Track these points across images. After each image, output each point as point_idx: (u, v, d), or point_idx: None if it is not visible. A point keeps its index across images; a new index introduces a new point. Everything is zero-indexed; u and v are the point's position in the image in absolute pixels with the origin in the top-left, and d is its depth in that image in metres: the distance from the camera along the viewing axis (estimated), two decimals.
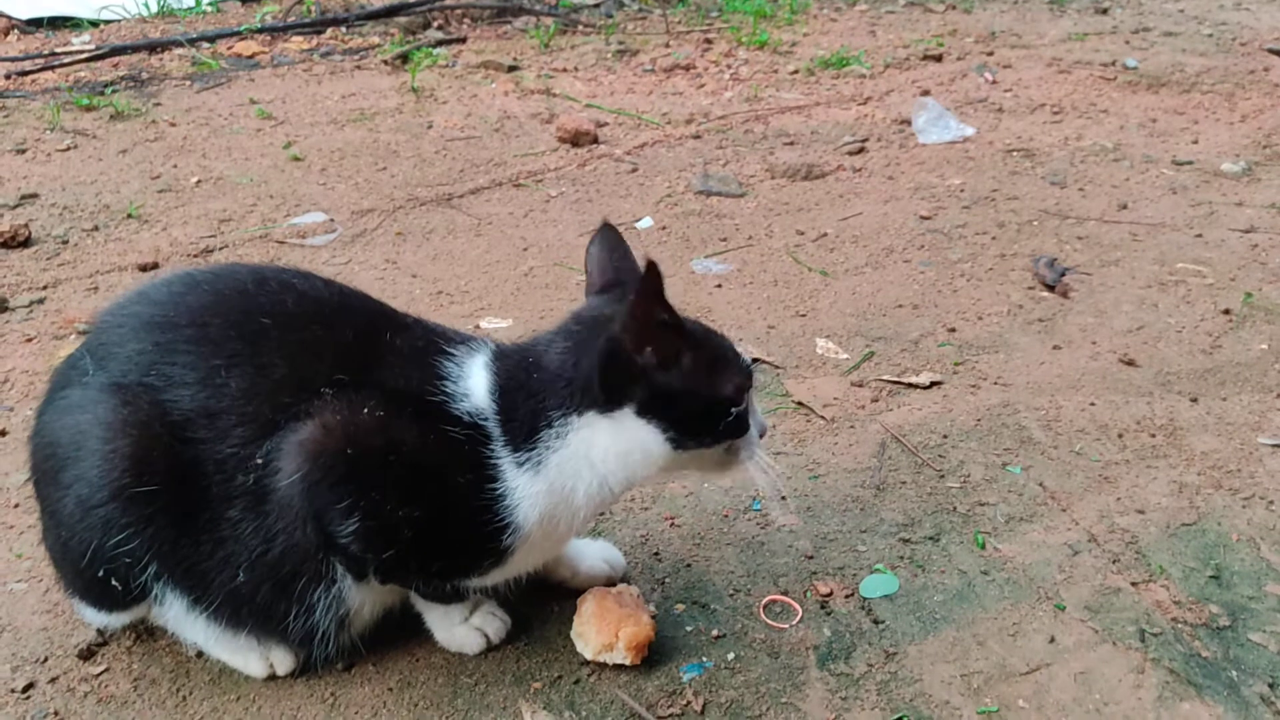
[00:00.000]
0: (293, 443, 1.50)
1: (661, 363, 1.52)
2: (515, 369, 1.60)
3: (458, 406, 1.56)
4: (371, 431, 1.51)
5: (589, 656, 1.73)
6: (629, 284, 1.62)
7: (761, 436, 1.68)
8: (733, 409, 1.58)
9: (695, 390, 1.56)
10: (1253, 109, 4.75)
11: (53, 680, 1.72)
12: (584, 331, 1.60)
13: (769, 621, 1.85)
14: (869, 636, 1.83)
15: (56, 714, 1.65)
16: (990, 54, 5.67)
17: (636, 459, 1.58)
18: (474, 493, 1.55)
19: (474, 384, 1.59)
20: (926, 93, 4.99)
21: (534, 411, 1.56)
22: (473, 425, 1.55)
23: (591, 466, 1.58)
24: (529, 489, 1.57)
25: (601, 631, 1.72)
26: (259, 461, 1.51)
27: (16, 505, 2.13)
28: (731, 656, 1.77)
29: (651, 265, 1.44)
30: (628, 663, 1.72)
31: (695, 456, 1.60)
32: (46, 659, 1.76)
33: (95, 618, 1.72)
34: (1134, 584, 1.95)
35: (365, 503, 1.50)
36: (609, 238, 1.73)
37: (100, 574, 1.55)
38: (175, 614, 1.64)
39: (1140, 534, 2.08)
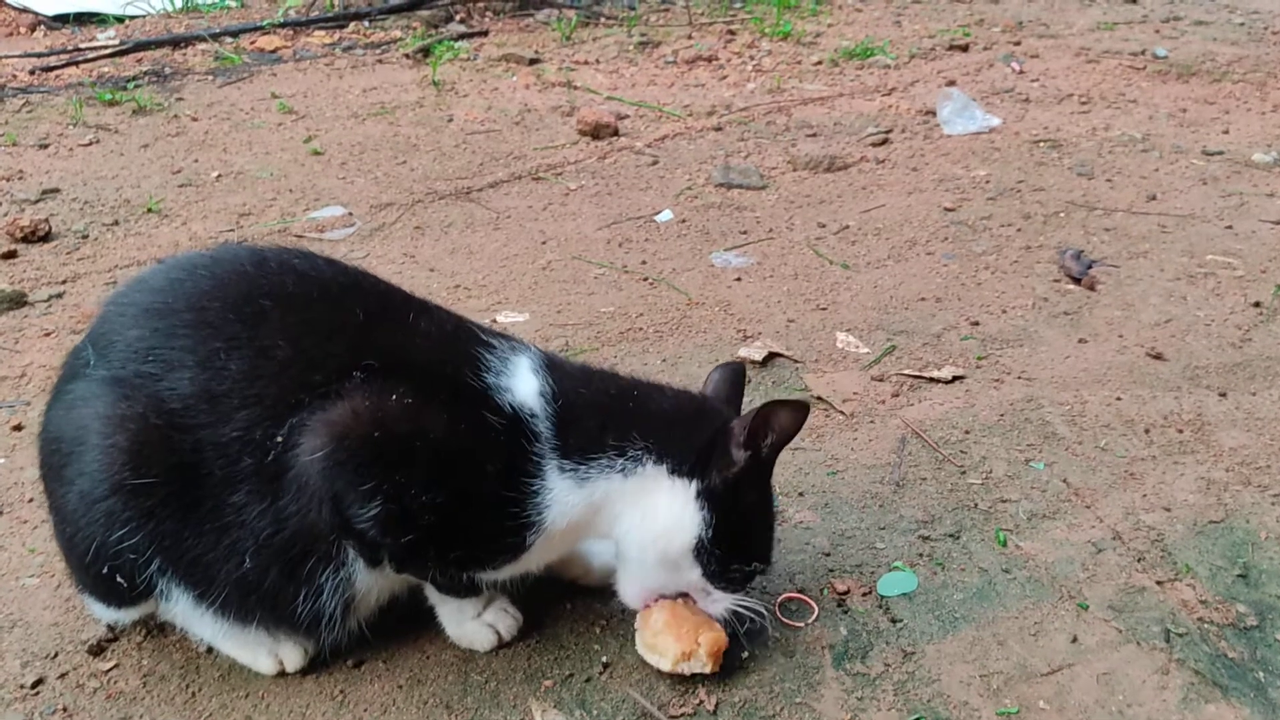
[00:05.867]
0: (319, 421, 1.48)
1: (743, 474, 1.62)
2: (587, 387, 1.66)
3: (500, 398, 1.56)
4: (401, 415, 1.49)
5: (666, 669, 1.67)
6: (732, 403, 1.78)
7: (741, 588, 1.72)
8: (754, 561, 1.69)
9: (747, 519, 1.65)
10: None
11: (62, 676, 1.71)
12: (709, 404, 1.73)
13: (785, 619, 1.82)
14: (886, 635, 1.79)
15: (65, 710, 1.64)
16: (1017, 44, 5.60)
17: (656, 528, 1.63)
18: (505, 484, 1.55)
19: (518, 381, 1.60)
20: (952, 83, 4.93)
21: (603, 432, 1.61)
22: (515, 419, 1.56)
23: (623, 507, 1.63)
24: (565, 496, 1.59)
25: (681, 639, 1.66)
26: (279, 440, 1.49)
27: (30, 500, 2.13)
28: (745, 655, 1.74)
29: (805, 406, 1.61)
30: (708, 671, 1.67)
31: (687, 571, 1.66)
32: (57, 654, 1.75)
33: (104, 613, 1.71)
34: (1159, 583, 1.90)
35: (389, 486, 1.48)
36: (735, 375, 1.83)
37: (105, 570, 1.54)
38: (182, 609, 1.62)
39: (1166, 531, 2.03)
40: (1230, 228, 3.40)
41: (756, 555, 1.69)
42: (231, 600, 1.58)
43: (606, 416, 1.62)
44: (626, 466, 1.61)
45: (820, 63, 5.34)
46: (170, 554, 1.53)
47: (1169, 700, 1.66)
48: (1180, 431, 2.35)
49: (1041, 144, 4.20)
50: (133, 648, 1.77)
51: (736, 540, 1.64)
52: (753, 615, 1.71)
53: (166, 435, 1.49)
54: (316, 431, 1.47)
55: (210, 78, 5.06)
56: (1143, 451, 2.28)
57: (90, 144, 4.16)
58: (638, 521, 1.63)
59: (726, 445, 1.61)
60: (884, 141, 4.25)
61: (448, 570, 1.65)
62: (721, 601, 1.70)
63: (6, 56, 5.23)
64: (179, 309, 1.54)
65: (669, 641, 1.67)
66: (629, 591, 1.73)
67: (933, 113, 4.52)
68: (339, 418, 1.47)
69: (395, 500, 1.48)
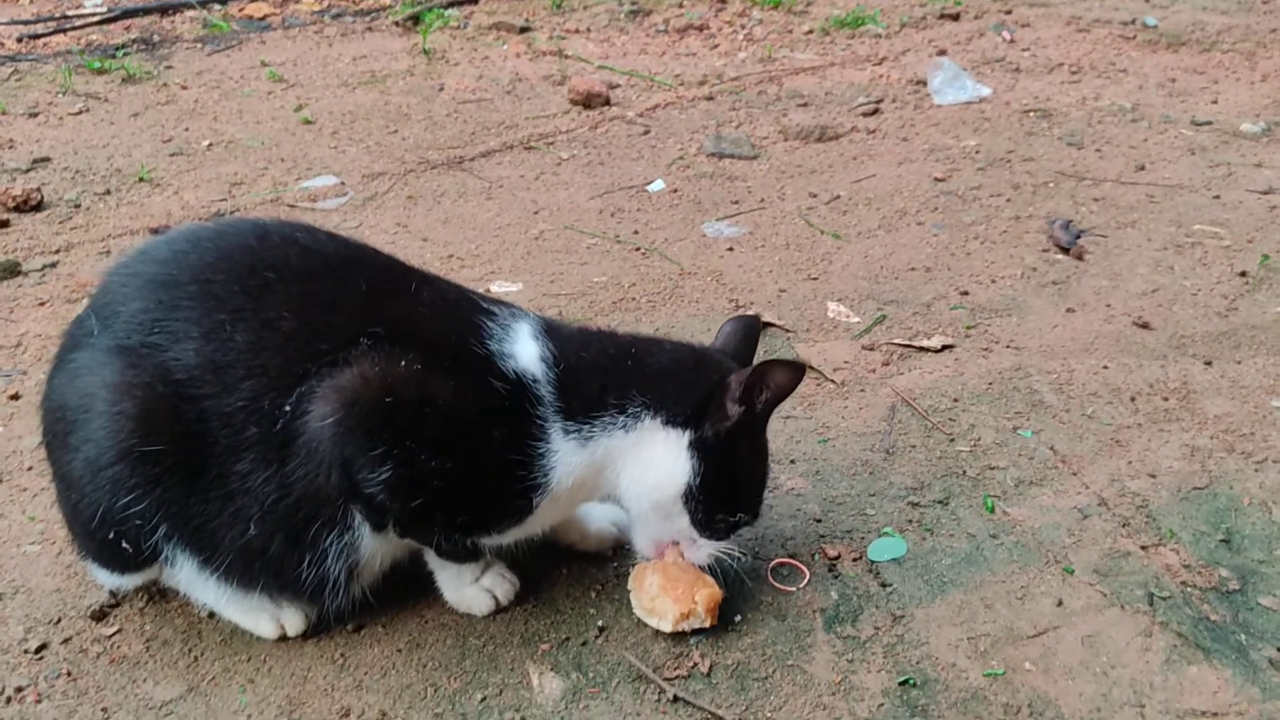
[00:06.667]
0: (329, 387, 1.50)
1: (736, 428, 1.65)
2: (587, 349, 1.69)
3: (503, 364, 1.59)
4: (410, 381, 1.52)
5: (668, 629, 1.71)
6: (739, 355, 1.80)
7: (725, 537, 1.75)
8: (740, 513, 1.72)
9: (735, 470, 1.68)
10: (1274, 68, 4.67)
11: (65, 641, 1.74)
12: (709, 357, 1.75)
13: (776, 584, 1.86)
14: (876, 599, 1.83)
15: (69, 674, 1.67)
16: (1008, 12, 5.59)
17: (650, 478, 1.67)
18: (512, 449, 1.59)
19: (520, 348, 1.63)
20: (943, 52, 4.93)
21: (604, 392, 1.64)
22: (519, 384, 1.59)
23: (624, 462, 1.66)
24: (570, 457, 1.63)
25: (679, 600, 1.71)
26: (287, 409, 1.51)
27: (30, 468, 2.14)
28: (738, 619, 1.78)
29: (801, 366, 1.63)
30: (707, 625, 1.72)
31: (676, 519, 1.70)
32: (59, 620, 1.78)
33: (108, 579, 1.74)
34: (1143, 548, 1.94)
35: (399, 452, 1.51)
36: (748, 328, 1.85)
37: (110, 536, 1.56)
38: (186, 575, 1.65)
39: (1151, 498, 2.07)
40: (1218, 198, 3.43)
41: (743, 507, 1.72)
42: (236, 566, 1.60)
43: (606, 377, 1.65)
44: (627, 423, 1.64)
45: (811, 31, 5.33)
46: (176, 520, 1.56)
47: (1152, 662, 1.70)
48: (1166, 399, 2.39)
49: (1032, 114, 4.21)
50: (135, 613, 1.79)
51: (724, 491, 1.68)
52: (731, 559, 1.75)
53: (173, 404, 1.51)
54: (326, 398, 1.50)
55: (199, 45, 5.03)
56: (1129, 419, 2.32)
57: (80, 113, 4.14)
58: (637, 474, 1.67)
59: (722, 399, 1.64)
60: (875, 111, 4.25)
61: (453, 535, 1.68)
62: (705, 548, 1.73)
63: None
64: (183, 281, 1.56)
65: (667, 604, 1.71)
66: (640, 542, 1.78)
67: (923, 82, 4.52)
68: (349, 384, 1.50)
69: (405, 465, 1.51)
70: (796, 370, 1.64)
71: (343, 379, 1.50)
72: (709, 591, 1.71)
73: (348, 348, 1.53)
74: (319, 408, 1.50)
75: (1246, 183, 3.53)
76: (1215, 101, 4.31)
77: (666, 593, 1.72)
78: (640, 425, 1.65)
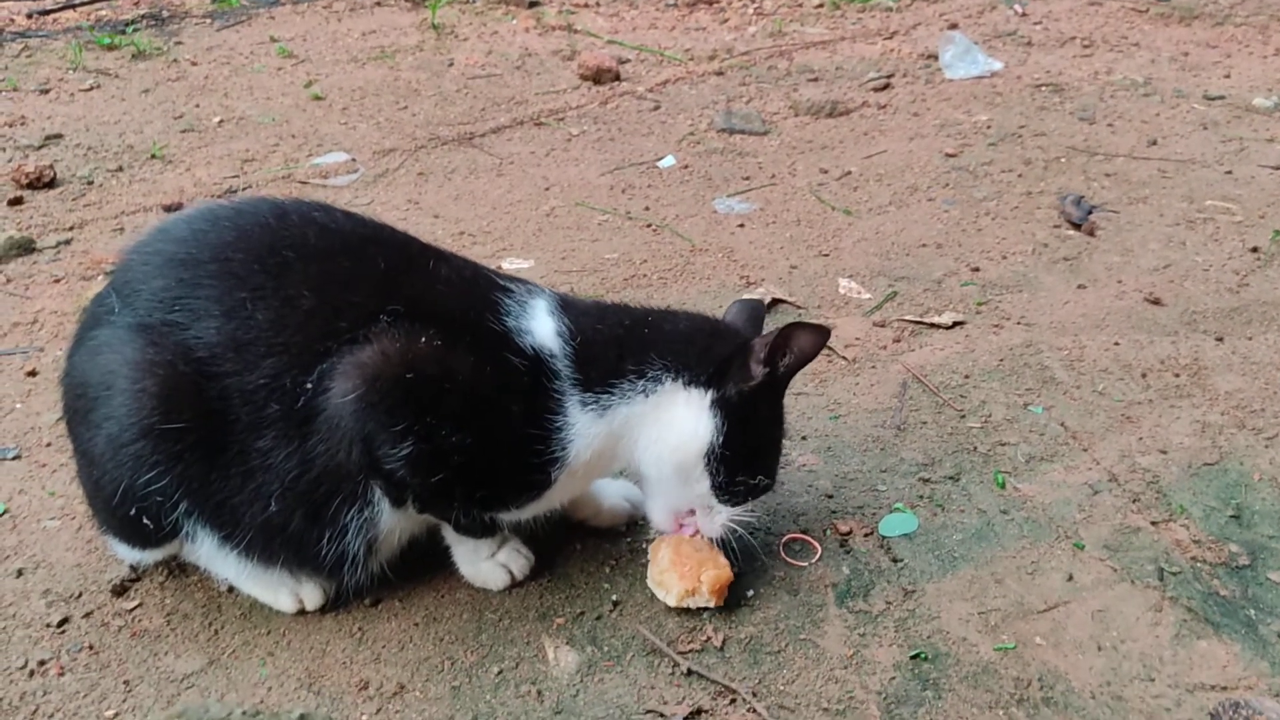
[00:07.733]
0: (350, 363, 1.52)
1: (758, 389, 1.67)
2: (603, 321, 1.71)
3: (521, 340, 1.61)
4: (430, 357, 1.54)
5: (672, 604, 1.74)
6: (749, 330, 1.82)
7: (742, 502, 1.75)
8: (760, 475, 1.73)
9: (756, 432, 1.70)
10: None
11: (87, 615, 1.76)
12: (725, 325, 1.80)
13: (789, 559, 1.87)
14: (888, 575, 1.84)
15: (91, 648, 1.69)
16: None
17: (671, 439, 1.68)
18: (530, 424, 1.60)
19: (537, 323, 1.64)
20: (954, 26, 4.91)
21: (621, 360, 1.66)
22: (536, 360, 1.61)
23: (643, 427, 1.68)
24: (588, 429, 1.64)
25: (684, 577, 1.73)
26: (308, 386, 1.53)
27: (49, 444, 2.16)
28: (751, 594, 1.79)
29: (826, 330, 1.66)
30: (711, 605, 1.73)
31: (695, 481, 1.70)
32: (80, 594, 1.80)
33: (128, 554, 1.76)
34: (1154, 523, 1.95)
35: (420, 427, 1.53)
36: (753, 311, 1.88)
37: (132, 512, 1.58)
38: (207, 551, 1.67)
39: (1161, 473, 2.08)
40: (1230, 173, 3.42)
41: (762, 469, 1.73)
42: (256, 542, 1.62)
43: (623, 346, 1.67)
44: (647, 387, 1.66)
45: (821, 5, 5.31)
46: (197, 497, 1.57)
47: (1161, 636, 1.71)
48: (1177, 376, 2.39)
49: (1043, 88, 4.19)
50: (155, 587, 1.81)
51: (745, 452, 1.69)
52: (744, 533, 1.76)
53: (194, 382, 1.52)
54: (348, 374, 1.51)
55: (208, 21, 5.03)
56: (1140, 395, 2.32)
57: (91, 89, 4.14)
58: (655, 437, 1.68)
59: (746, 360, 1.66)
60: (886, 86, 4.24)
61: (471, 510, 1.69)
62: (721, 516, 1.74)
63: (4, 0, 5.19)
64: (203, 259, 1.57)
65: (674, 579, 1.73)
66: (656, 514, 1.79)
67: (935, 57, 4.51)
68: (370, 360, 1.52)
69: (426, 440, 1.53)
70: (821, 333, 1.66)
71: (364, 355, 1.52)
72: (716, 573, 1.73)
73: (368, 325, 1.54)
74: (340, 384, 1.51)
75: (1259, 158, 3.52)
76: (1228, 76, 4.29)
77: (675, 568, 1.74)
78: (661, 388, 1.67)
